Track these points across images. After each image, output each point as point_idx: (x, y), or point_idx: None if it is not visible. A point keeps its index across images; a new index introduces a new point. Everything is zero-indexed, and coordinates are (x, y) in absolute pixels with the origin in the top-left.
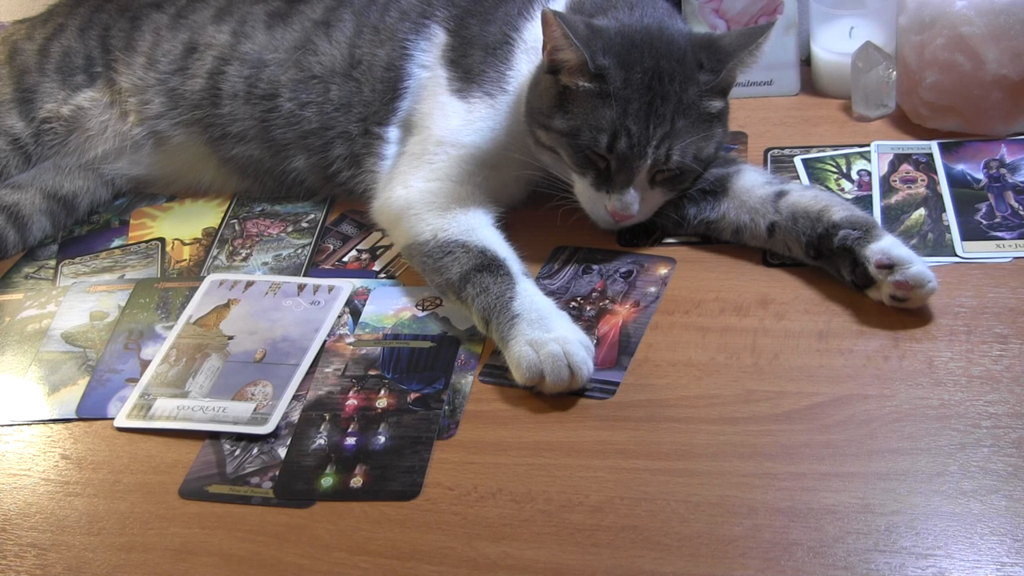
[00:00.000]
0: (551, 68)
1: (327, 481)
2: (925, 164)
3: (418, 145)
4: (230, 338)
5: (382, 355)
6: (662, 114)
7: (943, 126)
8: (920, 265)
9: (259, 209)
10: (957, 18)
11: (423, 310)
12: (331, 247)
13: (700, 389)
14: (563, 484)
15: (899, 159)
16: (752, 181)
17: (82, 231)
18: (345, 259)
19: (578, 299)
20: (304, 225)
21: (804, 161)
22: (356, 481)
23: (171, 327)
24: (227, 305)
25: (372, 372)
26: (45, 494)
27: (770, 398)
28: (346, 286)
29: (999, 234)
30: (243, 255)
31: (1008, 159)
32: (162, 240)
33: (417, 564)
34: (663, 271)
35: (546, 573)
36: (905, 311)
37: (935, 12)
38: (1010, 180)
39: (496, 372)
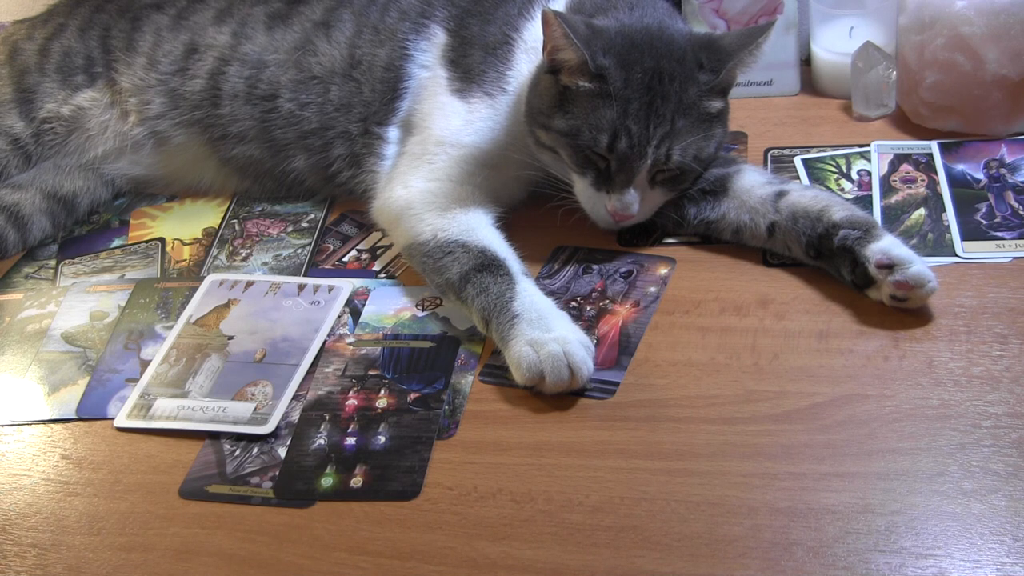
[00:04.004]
0: (551, 68)
1: (327, 481)
2: (925, 164)
3: (418, 145)
4: (230, 338)
5: (382, 355)
6: (662, 114)
7: (943, 126)
8: (920, 265)
9: (259, 209)
10: (957, 18)
11: (423, 310)
12: (331, 247)
13: (700, 389)
14: (563, 484)
15: (899, 159)
16: (752, 181)
17: (82, 231)
18: (345, 259)
19: (578, 299)
20: (304, 225)
21: (804, 161)
22: (356, 481)
23: (171, 327)
24: (227, 305)
25: (372, 372)
26: (45, 494)
27: (770, 398)
28: (346, 286)
29: (999, 234)
30: (243, 255)
31: (1008, 159)
32: (162, 240)
33: (417, 564)
34: (663, 271)
35: (546, 573)
36: (905, 311)
37: (935, 12)
38: (1010, 180)
39: (496, 372)
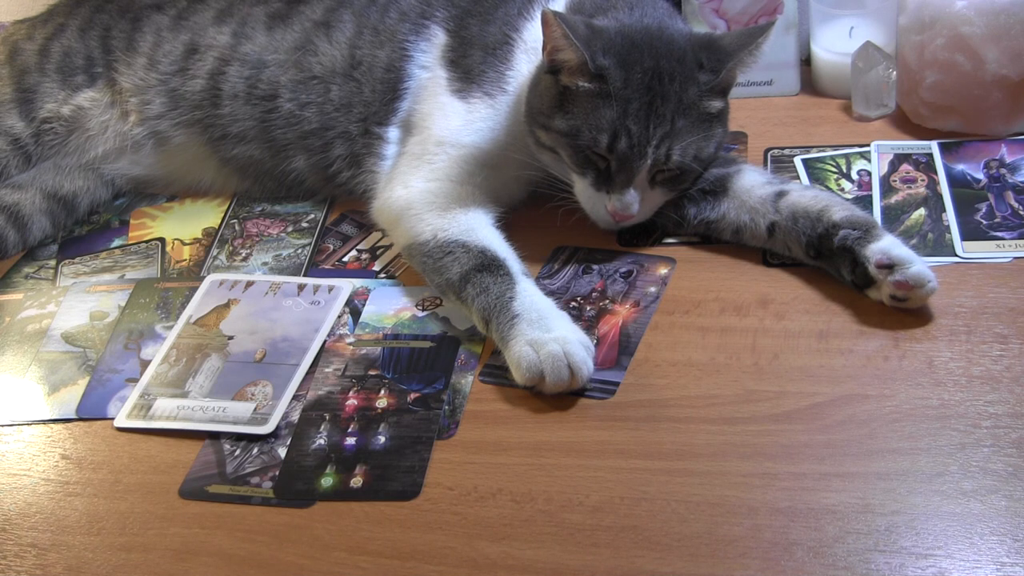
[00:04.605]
0: (551, 68)
1: (327, 481)
2: (925, 164)
3: (418, 145)
4: (230, 338)
5: (382, 355)
6: (662, 114)
7: (943, 126)
8: (920, 265)
9: (259, 209)
10: (957, 18)
11: (423, 310)
12: (331, 247)
13: (700, 389)
14: (563, 484)
15: (899, 159)
16: (752, 181)
17: (82, 231)
18: (345, 259)
19: (578, 299)
20: (304, 225)
21: (804, 161)
22: (356, 481)
23: (171, 327)
24: (227, 305)
25: (372, 372)
26: (45, 494)
27: (770, 398)
28: (346, 286)
29: (999, 234)
30: (243, 255)
31: (1008, 159)
32: (162, 240)
33: (417, 564)
34: (663, 271)
35: (546, 573)
36: (905, 311)
37: (935, 12)
38: (1010, 180)
39: (496, 372)
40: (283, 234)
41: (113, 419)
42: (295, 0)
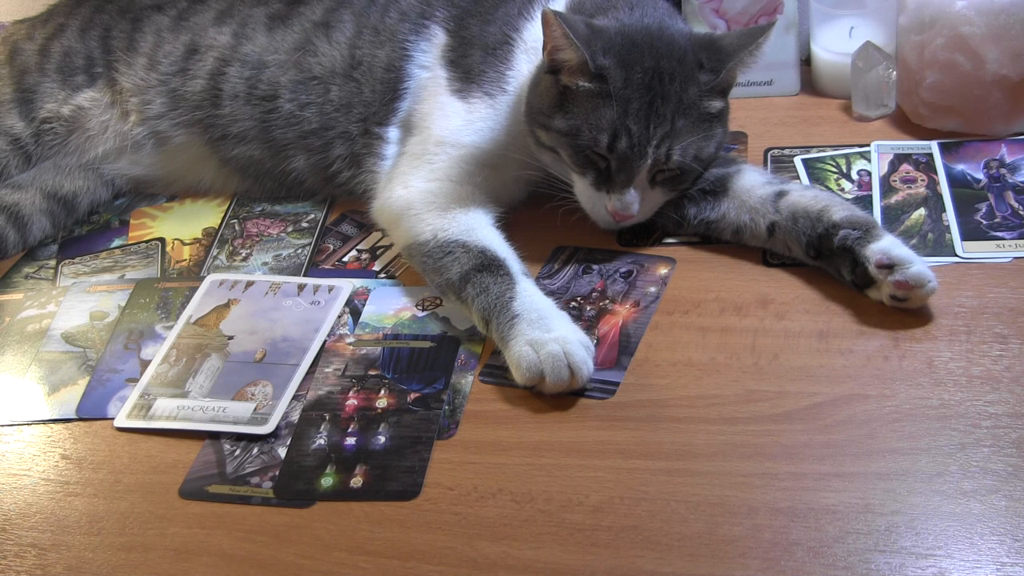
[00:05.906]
0: (551, 68)
1: (327, 481)
2: (925, 164)
3: (418, 145)
4: (230, 338)
5: (382, 355)
6: (662, 114)
7: (943, 126)
8: (920, 265)
9: (259, 209)
10: (957, 18)
11: (423, 310)
12: (331, 247)
13: (700, 389)
14: (563, 484)
15: (899, 159)
16: (752, 181)
17: (82, 231)
18: (345, 259)
19: (578, 299)
20: (304, 225)
21: (804, 161)
22: (356, 481)
23: (171, 327)
24: (227, 305)
25: (372, 372)
26: (45, 494)
27: (770, 398)
28: (346, 286)
29: (999, 234)
30: (243, 255)
31: (1008, 159)
32: (162, 240)
33: (417, 564)
34: (663, 271)
35: (546, 573)
36: (905, 311)
37: (935, 12)
38: (1010, 180)
39: (496, 372)
40: (283, 234)
41: (113, 419)
42: (295, 1)
